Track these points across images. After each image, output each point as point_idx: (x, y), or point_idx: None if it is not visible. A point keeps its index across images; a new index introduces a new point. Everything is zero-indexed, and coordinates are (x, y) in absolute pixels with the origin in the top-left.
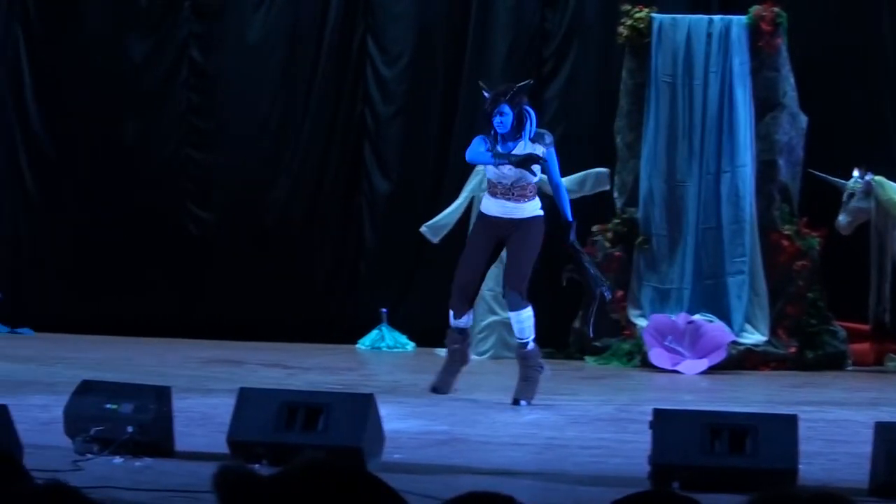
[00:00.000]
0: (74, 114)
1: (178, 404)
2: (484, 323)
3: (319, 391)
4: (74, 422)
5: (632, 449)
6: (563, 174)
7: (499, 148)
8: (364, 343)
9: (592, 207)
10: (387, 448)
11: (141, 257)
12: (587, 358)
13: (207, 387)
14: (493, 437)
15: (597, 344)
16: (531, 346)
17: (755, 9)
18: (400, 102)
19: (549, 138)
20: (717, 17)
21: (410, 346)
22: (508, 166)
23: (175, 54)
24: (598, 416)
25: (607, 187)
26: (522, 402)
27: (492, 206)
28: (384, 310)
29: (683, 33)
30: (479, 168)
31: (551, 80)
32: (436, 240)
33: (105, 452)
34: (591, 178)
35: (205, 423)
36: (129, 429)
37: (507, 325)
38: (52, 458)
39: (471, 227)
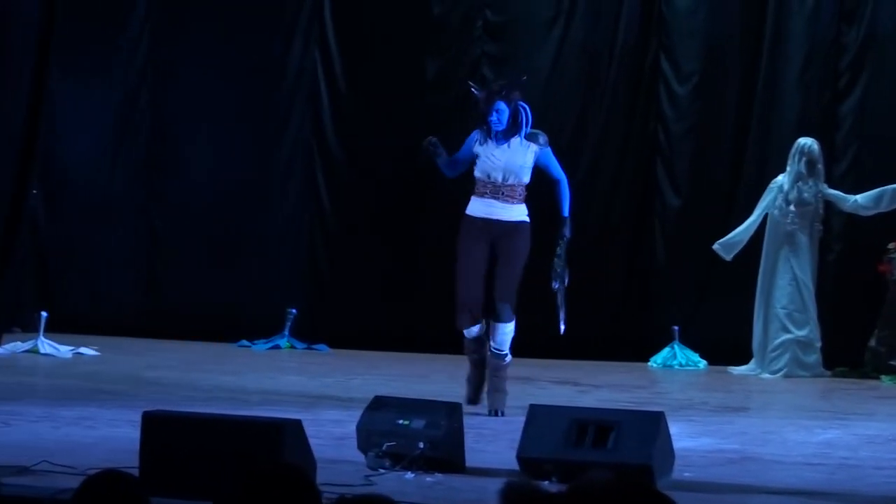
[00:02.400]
0: (369, 133)
1: (469, 420)
2: (777, 341)
3: (609, 409)
4: (367, 437)
5: None
6: (860, 191)
7: (493, 143)
8: (656, 361)
9: (889, 224)
10: (677, 466)
11: (433, 275)
12: (883, 377)
13: None
14: (785, 457)
15: (893, 363)
16: (509, 358)
17: None
18: (692, 119)
19: (543, 138)
20: None
21: (702, 363)
22: (499, 157)
23: (467, 73)
24: (894, 437)
25: None
26: (501, 413)
27: (478, 207)
28: (676, 327)
29: None
30: (773, 185)
31: (847, 94)
32: (729, 257)
33: (397, 468)
34: (888, 195)
35: (495, 440)
36: (421, 444)
37: (801, 343)
38: (344, 473)
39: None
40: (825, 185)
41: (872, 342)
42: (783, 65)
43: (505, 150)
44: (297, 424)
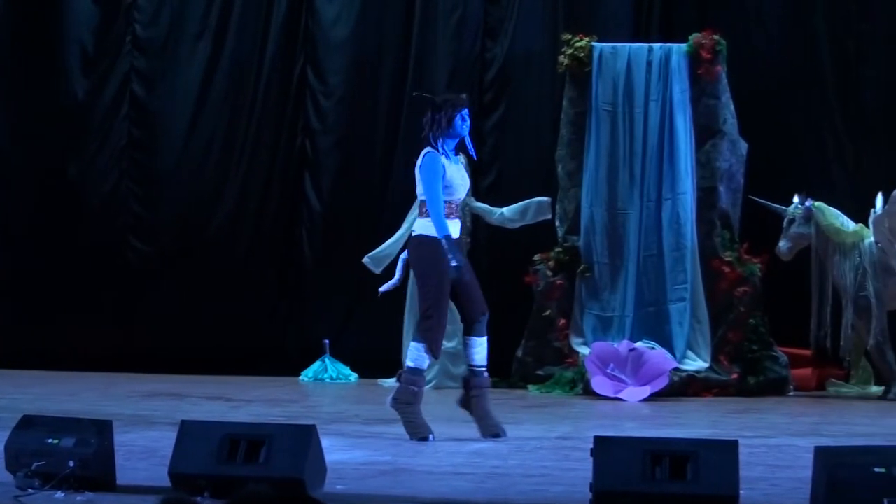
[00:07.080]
0: (17, 150)
1: (120, 438)
2: None
3: (261, 423)
4: (15, 457)
5: (574, 477)
6: (505, 204)
7: (450, 161)
8: (307, 375)
9: (534, 236)
10: (329, 479)
11: (83, 291)
12: (530, 387)
13: (149, 420)
14: (437, 467)
15: (539, 373)
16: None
17: (695, 37)
18: (340, 133)
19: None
20: (657, 46)
21: (353, 377)
22: (463, 176)
23: (116, 89)
24: (541, 445)
25: (549, 216)
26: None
27: (454, 229)
28: (327, 341)
29: (624, 62)
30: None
31: (492, 108)
32: (378, 270)
33: (46, 487)
34: (532, 207)
35: (147, 457)
36: (71, 463)
37: (450, 354)
38: None
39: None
40: (472, 199)
41: (520, 352)
42: (430, 79)
43: (460, 168)
44: None
